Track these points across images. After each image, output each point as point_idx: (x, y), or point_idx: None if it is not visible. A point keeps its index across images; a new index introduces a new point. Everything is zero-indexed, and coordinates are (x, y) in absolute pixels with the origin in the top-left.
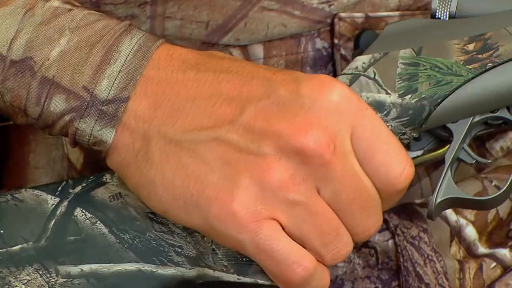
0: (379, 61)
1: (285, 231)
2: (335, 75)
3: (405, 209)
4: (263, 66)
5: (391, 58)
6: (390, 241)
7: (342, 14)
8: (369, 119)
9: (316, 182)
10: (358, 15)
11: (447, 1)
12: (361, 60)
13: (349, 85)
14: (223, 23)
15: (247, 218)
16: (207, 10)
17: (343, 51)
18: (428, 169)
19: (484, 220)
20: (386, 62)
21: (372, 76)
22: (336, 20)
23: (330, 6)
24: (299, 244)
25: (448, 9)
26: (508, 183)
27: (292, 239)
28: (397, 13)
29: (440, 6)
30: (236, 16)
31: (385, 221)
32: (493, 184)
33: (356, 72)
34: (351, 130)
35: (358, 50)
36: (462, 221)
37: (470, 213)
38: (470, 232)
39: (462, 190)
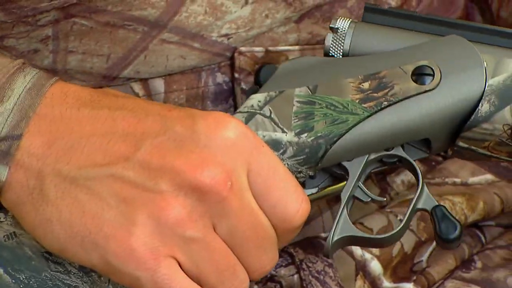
0: (275, 99)
1: (183, 269)
2: (235, 109)
3: (310, 243)
4: (158, 103)
5: (286, 96)
6: (296, 276)
7: (242, 48)
8: (266, 156)
9: (213, 219)
10: (258, 49)
11: (340, 40)
12: (257, 98)
13: (245, 123)
14: (124, 56)
15: (145, 255)
16: (108, 44)
17: (243, 85)
18: (329, 202)
19: (389, 255)
20: (281, 100)
21: (268, 114)
22: (236, 54)
23: (229, 39)
24: (196, 282)
25: (341, 48)
26: (405, 218)
27: (190, 277)
28: (296, 47)
29: (334, 44)
30: (136, 48)
31: (290, 255)
32: (398, 218)
33: (251, 110)
34: (248, 167)
35: (254, 87)
36: (367, 256)
37: (375, 248)
38: (375, 266)
39: (367, 224)
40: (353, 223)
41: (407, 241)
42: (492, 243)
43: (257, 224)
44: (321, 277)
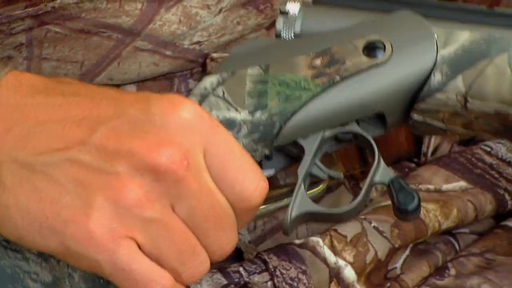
0: (228, 80)
1: (142, 250)
2: None
3: (284, 250)
4: (112, 89)
5: (239, 76)
6: (269, 283)
7: (214, 55)
8: (221, 136)
9: (171, 199)
10: None
11: (291, 22)
12: (209, 80)
13: (199, 105)
14: (97, 62)
15: (103, 237)
16: (82, 50)
17: None
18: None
19: (362, 262)
20: (234, 80)
21: (221, 95)
22: (208, 60)
23: (200, 46)
24: (156, 263)
25: (292, 30)
26: (362, 192)
27: (150, 258)
28: None
29: (285, 27)
30: (109, 55)
31: (264, 262)
32: (372, 225)
33: (205, 91)
34: (204, 147)
35: (205, 73)
36: (341, 263)
37: (349, 255)
38: (349, 273)
39: (341, 231)
40: (327, 230)
41: (381, 248)
42: (466, 250)
43: (216, 204)
44: (295, 284)
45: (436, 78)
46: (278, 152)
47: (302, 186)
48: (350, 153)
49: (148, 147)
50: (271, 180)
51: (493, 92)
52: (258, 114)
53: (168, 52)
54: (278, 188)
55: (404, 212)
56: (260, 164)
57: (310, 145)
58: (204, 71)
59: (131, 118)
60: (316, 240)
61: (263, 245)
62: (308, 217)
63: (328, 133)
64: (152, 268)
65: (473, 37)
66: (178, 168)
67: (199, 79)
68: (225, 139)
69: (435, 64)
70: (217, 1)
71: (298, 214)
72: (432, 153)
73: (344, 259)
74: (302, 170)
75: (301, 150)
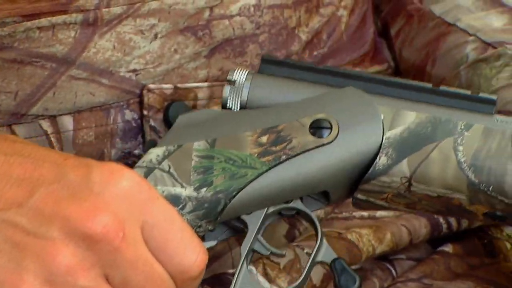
0: (173, 153)
1: None
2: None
3: (218, 280)
4: (56, 151)
5: (185, 150)
6: None
7: (151, 86)
8: (161, 207)
9: (105, 268)
10: (167, 86)
11: (238, 92)
12: (155, 153)
13: (145, 178)
14: (31, 92)
15: None
16: (15, 80)
17: (152, 123)
18: (239, 238)
19: None
20: (180, 154)
21: (166, 169)
22: (145, 91)
23: (137, 75)
24: None
25: (239, 100)
26: (304, 272)
27: None
28: (205, 83)
29: (231, 97)
30: (44, 85)
31: None
32: (305, 251)
33: (150, 165)
34: (143, 218)
35: (152, 140)
36: None
37: (284, 281)
38: None
39: (274, 258)
40: (260, 258)
41: (315, 274)
42: (403, 276)
43: (153, 274)
44: None
45: (382, 161)
46: (222, 223)
47: (245, 263)
48: None
49: (84, 214)
50: None
51: (438, 177)
52: (203, 191)
53: (104, 81)
54: None
55: None
56: (203, 236)
57: (254, 221)
58: (141, 103)
59: (70, 183)
60: (250, 268)
61: None
62: None
63: (271, 209)
64: None
65: (419, 119)
66: (114, 238)
67: (135, 110)
68: (165, 210)
69: (380, 147)
70: (151, 26)
71: None
72: None
73: (279, 286)
74: (245, 247)
75: (245, 225)
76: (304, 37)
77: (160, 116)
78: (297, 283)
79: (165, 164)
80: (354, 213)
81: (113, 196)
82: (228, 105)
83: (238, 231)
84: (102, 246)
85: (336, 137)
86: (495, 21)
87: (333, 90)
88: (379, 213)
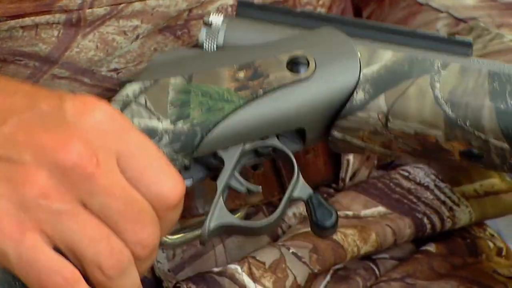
0: (150, 88)
1: (54, 243)
2: None
3: (203, 279)
4: (28, 84)
5: (161, 85)
6: None
7: None
8: (135, 137)
9: (81, 195)
10: None
11: (214, 34)
12: (131, 88)
13: (121, 111)
14: None
15: (10, 226)
16: None
17: None
18: (222, 236)
19: (282, 287)
20: (157, 89)
21: (143, 103)
22: None
23: (118, 73)
24: (72, 255)
25: (215, 42)
26: (280, 207)
27: (63, 250)
28: None
29: (208, 39)
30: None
31: None
32: (290, 251)
33: (126, 99)
34: (117, 147)
35: (128, 79)
36: None
37: (269, 281)
38: None
39: (260, 258)
40: (245, 257)
41: (300, 274)
42: (387, 275)
43: (131, 199)
44: None
45: (359, 96)
46: (197, 163)
47: (221, 198)
48: (268, 180)
49: (57, 142)
50: (189, 208)
51: (414, 113)
52: (180, 124)
53: (85, 80)
54: (197, 217)
55: (321, 228)
56: (178, 172)
57: (230, 157)
58: None
59: (43, 112)
60: (235, 267)
61: (182, 273)
62: (225, 229)
63: (248, 146)
64: (57, 260)
65: (396, 57)
66: (87, 165)
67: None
68: (139, 140)
69: (357, 82)
70: (134, 27)
71: (216, 225)
72: (351, 178)
73: (264, 286)
74: (221, 181)
75: (221, 161)
76: None
77: None
78: (273, 216)
79: (141, 98)
80: (339, 212)
81: (86, 127)
82: (204, 48)
83: (214, 169)
84: (76, 173)
85: (313, 73)
86: None
87: (311, 30)
88: (363, 212)
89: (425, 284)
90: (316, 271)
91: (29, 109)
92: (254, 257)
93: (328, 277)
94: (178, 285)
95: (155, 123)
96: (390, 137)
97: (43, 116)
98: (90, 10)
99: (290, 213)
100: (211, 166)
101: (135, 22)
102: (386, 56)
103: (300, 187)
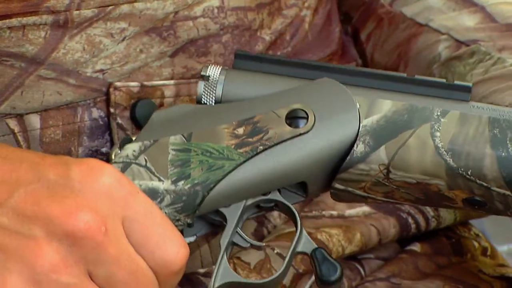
0: (150, 148)
1: None
2: (112, 144)
3: (188, 280)
4: (32, 151)
5: (161, 145)
6: None
7: (118, 84)
8: (141, 202)
9: (89, 265)
10: (134, 84)
11: (212, 87)
12: (131, 148)
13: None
14: (0, 91)
15: None
16: None
17: (119, 120)
18: (207, 236)
19: None
20: (156, 149)
21: (143, 163)
22: (111, 89)
23: (103, 74)
24: None
25: (214, 95)
26: (285, 263)
27: None
28: (172, 81)
29: (206, 92)
30: (12, 84)
31: None
32: (275, 252)
33: (127, 160)
34: (124, 213)
35: (126, 138)
36: None
37: None
38: None
39: (245, 259)
40: (230, 258)
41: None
42: (372, 275)
43: (136, 269)
44: None
45: (359, 148)
46: (200, 219)
47: (225, 256)
48: None
49: (66, 212)
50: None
51: (416, 164)
52: (181, 184)
53: (71, 81)
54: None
55: (326, 283)
56: (181, 231)
57: (233, 214)
58: (108, 101)
59: (50, 182)
60: None
61: None
62: (230, 287)
63: (250, 201)
64: None
65: (395, 107)
66: (96, 234)
67: (102, 108)
68: (145, 204)
69: (357, 134)
70: (121, 30)
71: (220, 284)
72: None
73: None
74: (224, 240)
75: (223, 218)
76: (267, 38)
77: (127, 114)
78: (278, 273)
79: (141, 159)
80: (323, 212)
81: (94, 193)
82: (202, 101)
83: (217, 225)
84: (85, 243)
85: (312, 126)
86: (468, 20)
87: (309, 82)
88: (348, 212)
89: (410, 283)
90: (301, 271)
91: (36, 180)
92: (239, 258)
93: (313, 277)
94: None
95: (156, 184)
96: (392, 188)
97: (50, 186)
98: (77, 11)
99: (275, 213)
100: (213, 223)
101: (123, 24)
102: (386, 106)
103: (304, 242)
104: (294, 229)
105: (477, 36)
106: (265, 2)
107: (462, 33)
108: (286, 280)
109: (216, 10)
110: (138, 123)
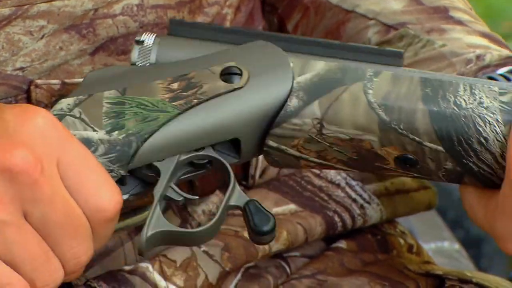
0: (84, 102)
1: None
2: None
3: (113, 277)
4: None
5: (96, 99)
6: None
7: (38, 81)
8: (76, 147)
9: (24, 204)
10: (55, 82)
11: (146, 52)
12: (66, 102)
13: None
14: None
15: None
16: None
17: None
18: (130, 233)
19: (193, 286)
20: (91, 102)
21: (77, 115)
22: (32, 87)
23: (23, 72)
24: (11, 267)
25: (148, 60)
26: (217, 215)
27: (4, 261)
28: None
29: (140, 57)
30: None
31: None
32: (202, 249)
33: (61, 112)
34: (59, 156)
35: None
36: (172, 287)
37: (180, 279)
38: None
39: (171, 256)
40: (156, 256)
41: (212, 272)
42: (298, 273)
43: (70, 212)
44: None
45: (293, 103)
46: (133, 177)
47: (158, 207)
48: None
49: (2, 149)
50: None
51: (349, 118)
52: (115, 134)
53: None
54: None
55: (260, 233)
56: None
57: (166, 167)
58: (28, 98)
59: None
60: (146, 265)
61: (92, 270)
62: (163, 237)
63: (184, 156)
64: (8, 271)
65: (328, 66)
66: (33, 171)
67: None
68: (79, 150)
69: (291, 90)
70: (40, 28)
71: (153, 233)
72: (260, 176)
73: (175, 284)
74: (157, 191)
75: (157, 173)
76: None
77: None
78: (210, 223)
79: (76, 111)
80: None
81: (29, 133)
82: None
83: (151, 183)
84: (22, 179)
85: (246, 82)
86: (394, 4)
87: (244, 44)
88: (274, 210)
89: (336, 280)
90: (227, 269)
91: None
92: (165, 256)
93: (239, 276)
94: (88, 283)
95: (90, 134)
96: (325, 146)
97: None
98: None
99: (199, 210)
100: (147, 179)
101: (42, 22)
102: (319, 65)
103: (236, 195)
104: (222, 227)
105: (405, 19)
106: (186, 0)
107: (389, 17)
108: (212, 278)
109: (135, 8)
110: None
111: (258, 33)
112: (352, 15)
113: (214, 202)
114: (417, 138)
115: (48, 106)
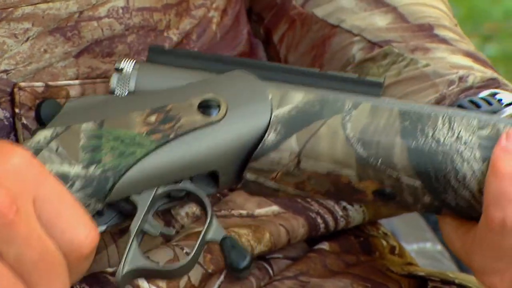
0: (62, 134)
1: None
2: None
3: (96, 279)
4: None
5: (73, 131)
6: None
7: (22, 84)
8: (52, 183)
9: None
10: (38, 84)
11: (125, 80)
12: (43, 134)
13: None
14: None
15: None
16: None
17: (24, 121)
18: (114, 235)
19: (176, 287)
20: (68, 135)
21: (54, 149)
22: (16, 89)
23: (7, 74)
24: None
25: (127, 88)
26: (194, 250)
27: None
28: (77, 81)
29: (119, 85)
30: None
31: None
32: (184, 251)
33: (38, 146)
34: (35, 193)
35: (40, 127)
36: None
37: (162, 281)
38: None
39: (153, 258)
40: None
41: (194, 274)
42: (280, 274)
43: (46, 250)
44: None
45: (270, 137)
46: (111, 208)
47: (135, 242)
48: None
49: None
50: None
51: (326, 152)
52: (92, 169)
53: None
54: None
55: (235, 270)
56: (92, 218)
57: (143, 201)
58: (12, 101)
59: None
60: None
61: None
62: (139, 273)
63: (161, 190)
64: None
65: (307, 99)
66: (8, 211)
67: (7, 109)
68: (55, 187)
69: (269, 123)
70: (25, 30)
71: (129, 269)
72: None
73: (157, 286)
74: (134, 226)
75: (134, 206)
76: (175, 38)
77: (32, 114)
78: (187, 259)
79: (53, 144)
80: (233, 211)
81: (4, 173)
82: (116, 94)
83: (128, 215)
84: None
85: (224, 115)
86: (379, 20)
87: (222, 73)
88: (257, 211)
89: (318, 281)
90: (210, 271)
91: None
92: (147, 257)
93: (222, 277)
94: (72, 286)
95: (66, 169)
96: (303, 178)
97: None
98: None
99: (183, 212)
100: (125, 212)
101: (26, 25)
102: (297, 97)
103: (214, 230)
104: (202, 228)
105: (390, 37)
106: (172, 3)
107: (374, 34)
108: (195, 280)
109: (121, 11)
110: (43, 123)
111: (238, 60)
112: (337, 30)
113: None
114: (394, 173)
115: (32, 109)
